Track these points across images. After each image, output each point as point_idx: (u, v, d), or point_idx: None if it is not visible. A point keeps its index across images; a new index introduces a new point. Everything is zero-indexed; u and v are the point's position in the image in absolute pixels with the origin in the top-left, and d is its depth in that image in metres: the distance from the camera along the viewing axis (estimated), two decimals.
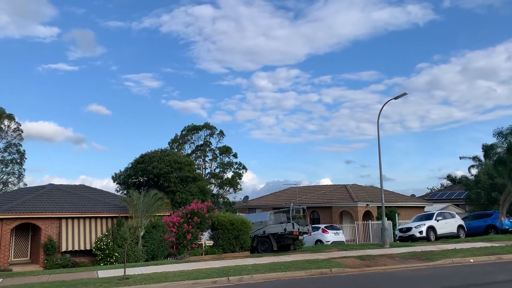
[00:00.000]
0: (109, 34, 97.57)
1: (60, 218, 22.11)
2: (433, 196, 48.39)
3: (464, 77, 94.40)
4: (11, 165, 47.24)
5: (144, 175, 34.80)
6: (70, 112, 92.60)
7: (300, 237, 21.48)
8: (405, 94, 20.52)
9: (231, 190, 59.27)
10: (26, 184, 47.95)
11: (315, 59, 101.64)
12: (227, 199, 58.36)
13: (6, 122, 46.47)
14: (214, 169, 58.75)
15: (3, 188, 45.58)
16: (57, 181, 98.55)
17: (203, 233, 20.32)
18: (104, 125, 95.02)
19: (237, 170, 59.10)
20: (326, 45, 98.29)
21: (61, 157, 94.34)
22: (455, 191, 48.02)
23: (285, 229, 20.53)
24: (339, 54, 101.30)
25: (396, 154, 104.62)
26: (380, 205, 32.55)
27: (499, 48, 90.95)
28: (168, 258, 22.59)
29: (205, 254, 18.81)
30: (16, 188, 45.41)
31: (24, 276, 14.56)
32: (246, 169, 59.23)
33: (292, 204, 22.82)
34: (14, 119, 47.25)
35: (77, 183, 28.37)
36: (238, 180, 58.92)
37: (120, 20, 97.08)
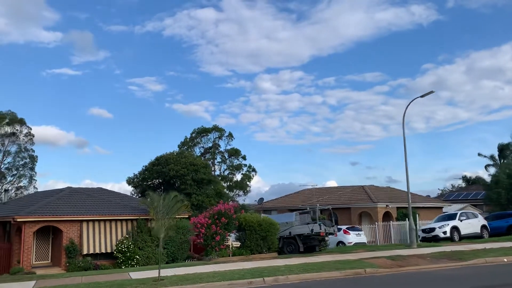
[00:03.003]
0: (112, 38, 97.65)
1: (81, 221, 21.96)
2: (448, 197, 47.97)
3: (469, 77, 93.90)
4: (22, 170, 47.14)
5: (160, 177, 34.60)
6: (72, 116, 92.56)
7: (326, 238, 21.23)
8: (431, 92, 20.27)
9: (241, 192, 59.14)
10: (37, 189, 47.91)
11: (319, 61, 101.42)
12: (237, 201, 58.15)
13: (18, 126, 46.48)
14: (223, 172, 58.58)
15: (16, 193, 45.42)
16: (62, 185, 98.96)
17: (230, 234, 20.09)
18: (106, 129, 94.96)
19: (246, 173, 58.92)
20: (329, 46, 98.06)
21: (64, 162, 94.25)
22: (471, 192, 47.60)
23: (312, 230, 20.25)
24: (343, 55, 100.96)
25: (401, 155, 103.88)
26: (399, 205, 32.39)
27: (504, 47, 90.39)
28: (187, 260, 22.39)
29: (232, 255, 18.56)
30: (27, 193, 45.32)
31: (56, 278, 14.35)
32: (255, 172, 59.14)
33: (318, 205, 22.56)
34: (25, 124, 47.28)
35: None
36: (248, 183, 58.78)
37: (123, 24, 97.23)
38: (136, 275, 14.47)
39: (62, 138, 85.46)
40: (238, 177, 58.42)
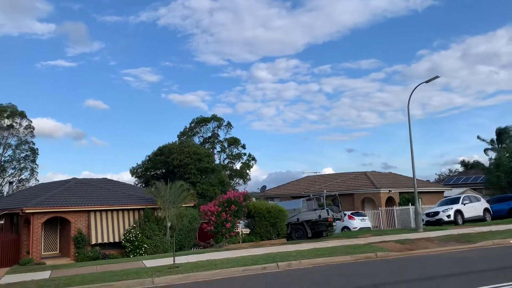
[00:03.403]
0: (106, 29, 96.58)
1: (88, 211, 22.04)
2: (448, 181, 48.34)
3: (464, 63, 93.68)
4: (23, 162, 47.06)
5: (163, 167, 34.66)
6: (68, 108, 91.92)
7: (333, 224, 21.47)
8: (437, 77, 20.28)
9: (241, 181, 59.48)
10: (38, 181, 47.82)
11: (314, 49, 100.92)
12: (237, 190, 58.39)
13: (18, 119, 46.28)
14: (223, 161, 58.78)
15: (18, 185, 45.42)
16: (61, 177, 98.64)
17: (240, 221, 20.30)
18: (103, 120, 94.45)
19: (246, 162, 59.20)
20: (325, 34, 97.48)
21: (61, 154, 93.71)
22: (470, 176, 48.01)
23: (319, 216, 20.48)
24: (338, 43, 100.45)
25: (397, 142, 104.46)
26: (402, 191, 32.64)
27: (499, 32, 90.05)
28: (193, 248, 22.59)
29: (242, 242, 18.77)
30: (29, 185, 45.34)
31: (70, 268, 14.49)
32: (255, 160, 59.45)
33: (325, 191, 22.74)
34: (26, 117, 47.07)
35: None
36: (247, 171, 59.12)
37: (117, 15, 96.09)
38: (150, 263, 14.61)
39: (58, 130, 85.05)
40: (237, 166, 58.75)
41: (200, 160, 33.28)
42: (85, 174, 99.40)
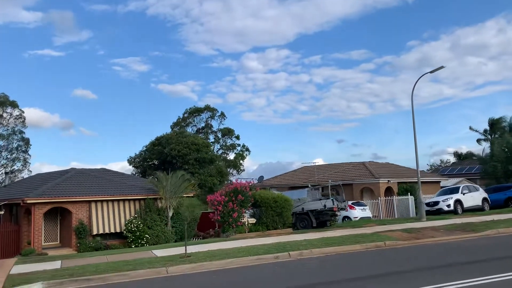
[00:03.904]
0: (95, 18, 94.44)
1: (89, 202, 21.84)
2: (443, 171, 48.87)
3: (454, 54, 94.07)
4: (16, 153, 46.33)
5: (161, 157, 34.40)
6: (56, 98, 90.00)
7: (337, 213, 21.55)
8: (442, 67, 20.35)
9: (234, 171, 59.43)
10: (31, 172, 47.14)
11: (305, 39, 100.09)
12: (231, 181, 58.37)
13: (9, 109, 45.47)
14: (217, 151, 58.62)
15: (11, 176, 44.67)
16: (48, 168, 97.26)
17: (246, 211, 20.27)
18: (91, 110, 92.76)
19: (240, 152, 59.15)
20: (315, 24, 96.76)
21: (49, 144, 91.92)
22: (465, 166, 48.57)
23: (324, 206, 20.54)
24: (329, 33, 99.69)
25: (387, 132, 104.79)
26: (400, 180, 32.90)
27: (488, 23, 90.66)
28: (194, 239, 22.54)
29: (248, 232, 18.75)
30: (22, 176, 44.74)
31: (79, 258, 14.33)
32: (249, 151, 59.44)
33: (330, 181, 22.80)
34: (17, 106, 46.22)
35: None
36: (241, 161, 59.08)
37: (105, 3, 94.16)
38: (160, 253, 14.52)
39: (46, 120, 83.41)
40: (231, 156, 58.68)
41: (199, 151, 33.11)
42: (73, 164, 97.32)
